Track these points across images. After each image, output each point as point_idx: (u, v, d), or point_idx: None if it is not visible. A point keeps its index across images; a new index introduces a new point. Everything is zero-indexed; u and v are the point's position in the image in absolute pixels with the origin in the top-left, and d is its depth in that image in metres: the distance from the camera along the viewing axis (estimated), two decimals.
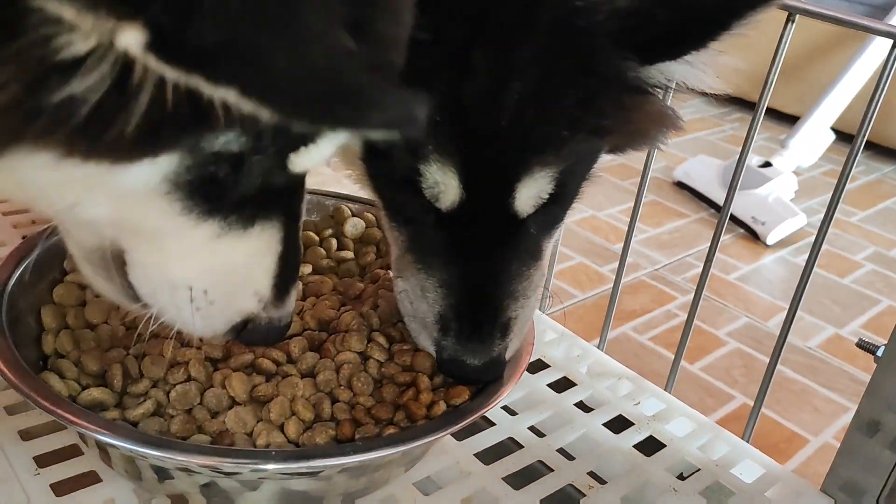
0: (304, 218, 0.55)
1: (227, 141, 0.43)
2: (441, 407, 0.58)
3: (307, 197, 0.55)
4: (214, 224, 0.48)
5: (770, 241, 1.78)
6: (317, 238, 0.75)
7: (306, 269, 0.72)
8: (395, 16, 0.45)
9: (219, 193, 0.46)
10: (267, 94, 0.34)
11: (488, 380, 0.59)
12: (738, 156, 2.09)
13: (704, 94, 0.62)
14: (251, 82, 0.34)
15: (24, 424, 0.60)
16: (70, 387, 0.55)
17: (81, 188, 0.44)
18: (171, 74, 0.34)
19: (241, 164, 0.45)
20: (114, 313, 0.62)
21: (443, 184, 0.53)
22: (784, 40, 0.64)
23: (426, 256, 0.58)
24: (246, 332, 0.53)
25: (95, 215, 0.46)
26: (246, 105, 0.35)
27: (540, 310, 0.92)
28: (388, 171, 0.57)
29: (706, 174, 1.96)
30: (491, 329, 0.58)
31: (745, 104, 2.73)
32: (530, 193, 0.55)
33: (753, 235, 1.81)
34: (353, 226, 0.76)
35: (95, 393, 0.55)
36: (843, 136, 2.07)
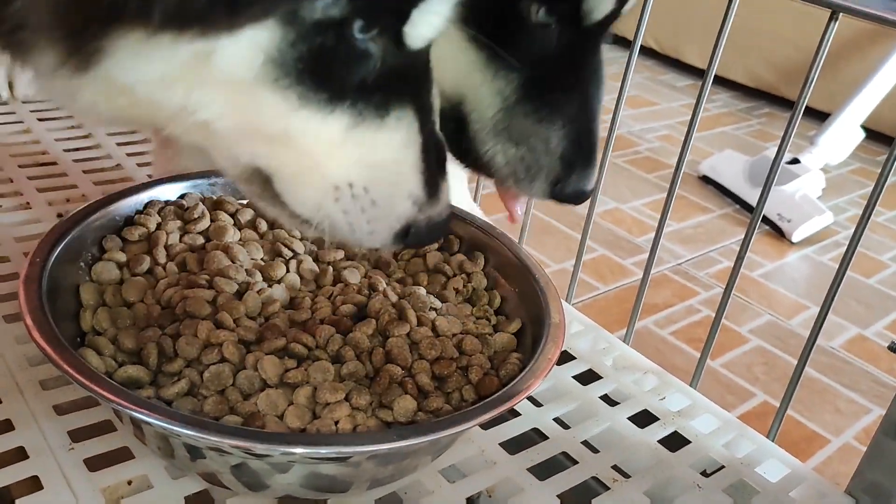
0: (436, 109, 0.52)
1: (325, 4, 0.41)
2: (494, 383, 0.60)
3: None
4: (344, 114, 0.46)
5: (795, 238, 1.76)
6: None
7: (338, 254, 0.73)
8: None
9: (334, 76, 0.44)
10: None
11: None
12: (764, 151, 2.07)
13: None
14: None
15: (59, 400, 0.61)
16: (107, 363, 0.56)
17: (186, 81, 0.43)
18: None
19: (348, 38, 0.43)
20: (150, 292, 0.63)
21: None
22: (826, 38, 0.63)
23: (548, 95, 0.58)
24: (411, 237, 0.52)
25: (214, 118, 0.45)
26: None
27: (566, 300, 0.92)
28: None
29: (732, 169, 1.95)
30: (595, 152, 0.60)
31: (772, 98, 2.70)
32: None
33: (779, 232, 1.80)
34: None
35: (131, 370, 0.56)
36: (873, 133, 2.05)
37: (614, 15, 0.57)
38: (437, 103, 0.52)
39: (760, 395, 1.26)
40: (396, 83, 0.48)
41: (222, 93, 0.43)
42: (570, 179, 0.61)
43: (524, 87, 0.58)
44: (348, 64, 0.44)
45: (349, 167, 0.49)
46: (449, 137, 0.55)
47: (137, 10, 0.38)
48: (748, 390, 1.27)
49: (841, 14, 0.63)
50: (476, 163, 0.64)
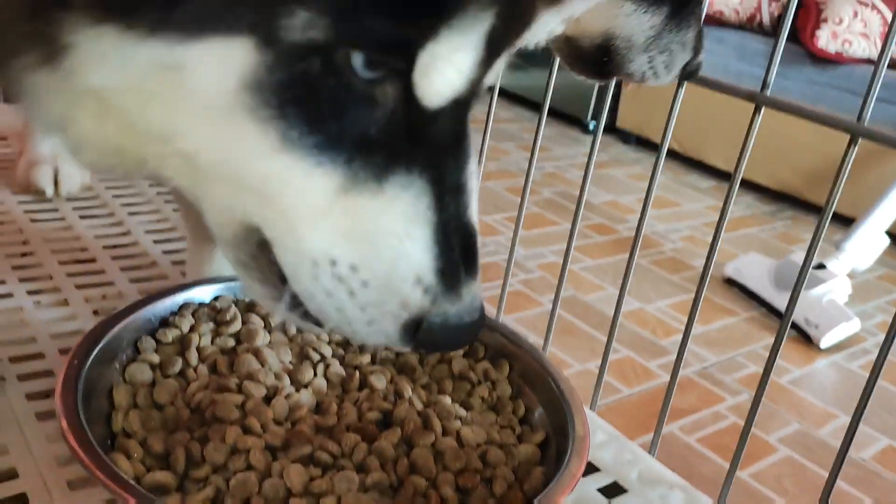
0: (474, 182, 0.43)
1: (304, 23, 0.34)
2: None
3: None
4: (336, 171, 0.38)
5: (824, 344, 1.75)
6: None
7: (365, 359, 0.74)
8: None
9: (326, 119, 0.37)
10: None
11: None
12: (789, 255, 2.07)
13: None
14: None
15: (86, 502, 0.62)
16: (135, 467, 0.57)
17: (161, 97, 0.37)
18: None
19: (342, 73, 0.36)
20: (180, 394, 0.64)
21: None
22: (847, 161, 0.65)
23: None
24: (422, 334, 0.43)
25: (194, 149, 0.39)
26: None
27: (591, 406, 0.91)
28: None
29: (757, 272, 1.95)
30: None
31: (796, 202, 2.72)
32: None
33: (806, 338, 1.78)
34: None
35: (159, 476, 0.56)
36: None
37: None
38: (472, 181, 0.43)
39: None
40: (410, 145, 0.39)
41: (200, 119, 0.37)
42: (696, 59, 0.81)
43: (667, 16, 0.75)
44: (344, 106, 0.37)
45: (333, 239, 0.41)
46: (594, 65, 0.77)
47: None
48: (777, 503, 1.24)
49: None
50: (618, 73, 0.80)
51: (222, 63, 0.35)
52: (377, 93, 0.37)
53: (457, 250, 0.42)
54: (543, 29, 0.52)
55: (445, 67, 0.36)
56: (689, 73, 0.82)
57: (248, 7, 0.34)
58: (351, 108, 0.37)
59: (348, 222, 0.40)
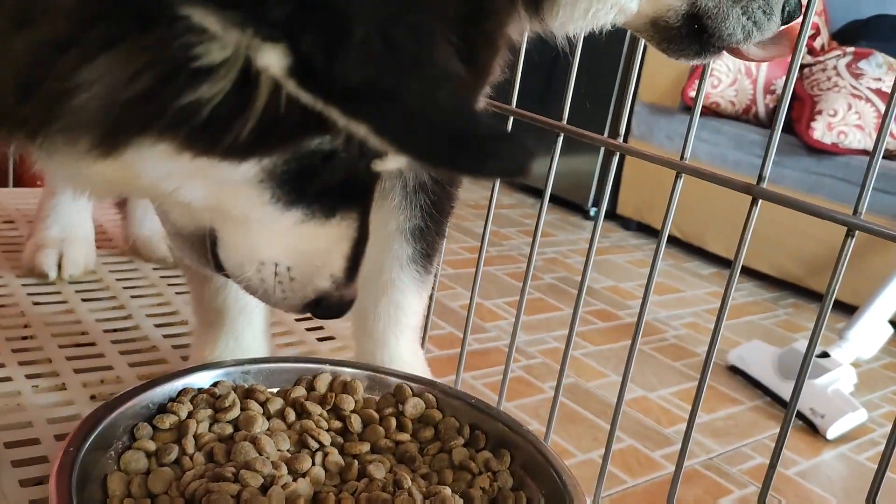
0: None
1: (323, 141, 0.47)
2: None
3: (370, 374, 0.67)
4: (299, 212, 0.53)
5: (830, 435, 1.72)
6: (377, 416, 0.76)
7: (364, 447, 0.73)
8: (492, 45, 0.49)
9: (306, 185, 0.51)
10: (399, 137, 0.36)
11: None
12: (792, 343, 2.05)
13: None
14: (386, 123, 0.35)
15: None
16: None
17: (187, 178, 0.48)
18: (307, 99, 0.36)
19: (330, 159, 0.49)
20: (175, 484, 0.63)
21: None
22: (844, 255, 0.65)
23: None
24: (319, 309, 0.60)
25: (192, 199, 0.51)
26: (375, 141, 0.36)
27: (594, 498, 0.89)
28: None
29: (761, 360, 1.93)
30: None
31: (798, 289, 2.73)
32: None
33: (812, 428, 1.76)
34: (414, 406, 0.77)
35: None
36: None
37: None
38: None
39: None
40: (351, 191, 0.55)
41: (210, 185, 0.49)
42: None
43: None
44: (325, 178, 0.51)
45: (283, 251, 0.56)
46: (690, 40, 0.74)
47: (167, 128, 0.42)
48: None
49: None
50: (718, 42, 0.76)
51: (251, 166, 0.47)
52: (343, 167, 0.50)
53: (359, 251, 0.59)
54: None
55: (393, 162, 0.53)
56: (789, 15, 0.76)
57: (289, 135, 0.45)
58: (325, 178, 0.51)
59: (298, 241, 0.55)
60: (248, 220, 0.54)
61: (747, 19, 0.75)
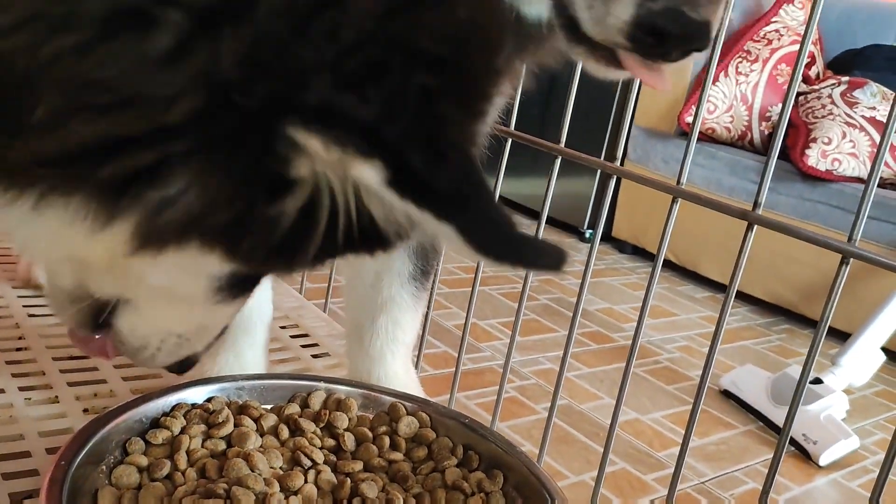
0: None
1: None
2: None
3: (365, 392, 0.71)
4: (217, 300, 0.54)
5: (823, 461, 1.72)
6: (370, 435, 0.76)
7: (357, 465, 0.72)
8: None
9: (248, 280, 0.54)
10: (480, 237, 0.39)
11: None
12: (785, 368, 2.05)
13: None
14: (471, 226, 0.38)
15: None
16: None
17: (180, 271, 0.49)
18: (399, 205, 0.39)
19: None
20: (166, 500, 0.63)
21: None
22: (839, 282, 0.66)
23: None
24: (178, 367, 0.65)
25: (153, 283, 0.51)
26: (455, 242, 0.39)
27: None
28: None
29: (754, 385, 1.93)
30: None
31: (791, 315, 2.73)
32: None
33: (804, 454, 1.75)
34: (408, 425, 0.77)
35: None
36: (894, 356, 2.04)
37: None
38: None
39: None
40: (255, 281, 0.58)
41: (181, 275, 0.50)
42: None
43: None
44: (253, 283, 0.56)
45: (192, 326, 0.59)
46: None
47: (236, 237, 0.44)
48: None
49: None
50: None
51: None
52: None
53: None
54: None
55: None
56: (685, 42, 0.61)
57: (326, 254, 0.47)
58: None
59: (208, 317, 0.59)
60: (179, 301, 0.54)
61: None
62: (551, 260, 0.41)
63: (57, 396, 0.86)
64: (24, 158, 0.40)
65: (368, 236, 0.43)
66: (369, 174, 0.38)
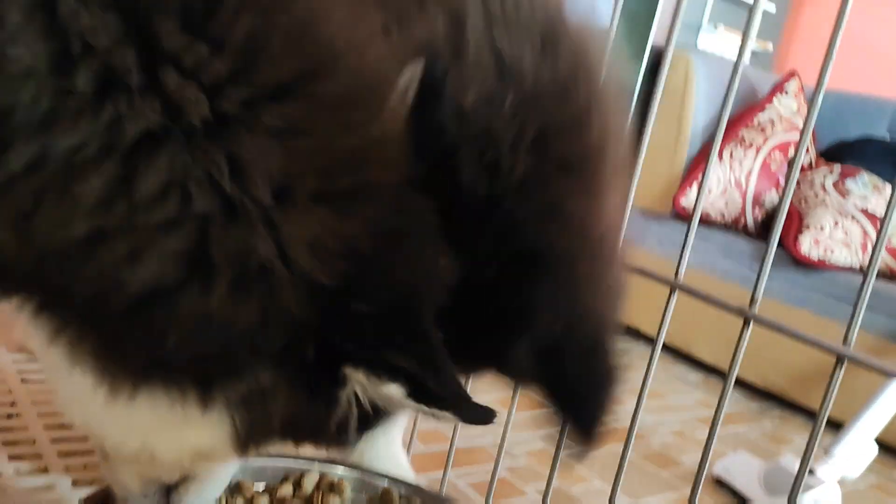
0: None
1: None
2: None
3: (359, 476, 0.78)
4: None
5: None
6: None
7: None
8: None
9: None
10: (465, 416, 0.55)
11: None
12: (778, 458, 2.03)
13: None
14: (461, 413, 0.55)
15: None
16: None
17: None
18: (414, 405, 0.52)
19: None
20: None
21: None
22: (833, 384, 0.67)
23: None
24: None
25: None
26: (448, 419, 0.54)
27: None
28: None
29: (747, 474, 1.91)
30: None
31: (783, 401, 2.72)
32: None
33: None
34: None
35: None
36: (891, 449, 2.03)
37: None
38: None
39: None
40: None
41: None
42: None
43: None
44: None
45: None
46: None
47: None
48: None
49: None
50: None
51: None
52: None
53: None
54: None
55: None
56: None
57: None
58: None
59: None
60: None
61: None
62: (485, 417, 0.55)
63: (47, 467, 0.85)
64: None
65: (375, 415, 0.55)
66: (395, 390, 0.51)
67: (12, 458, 0.84)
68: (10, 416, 0.93)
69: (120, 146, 0.40)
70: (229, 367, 0.49)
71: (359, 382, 0.51)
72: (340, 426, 0.54)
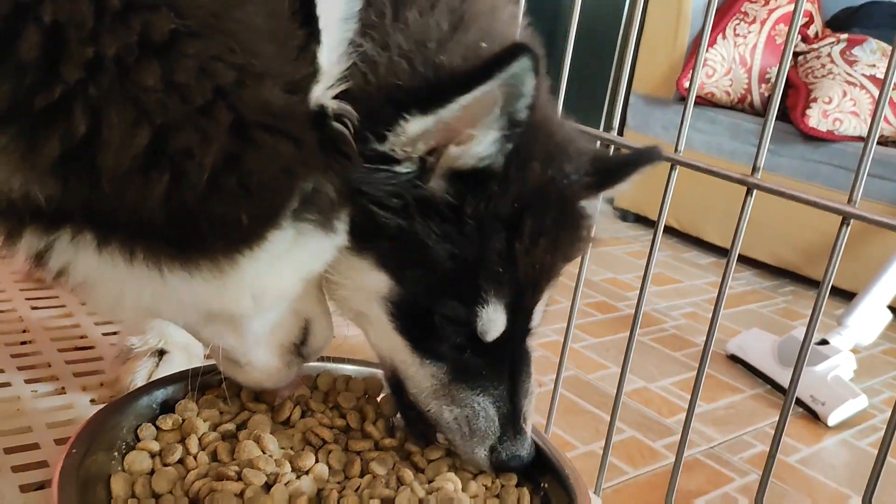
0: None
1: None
2: None
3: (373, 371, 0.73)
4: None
5: (831, 422, 1.72)
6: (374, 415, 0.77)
7: (366, 444, 0.73)
8: None
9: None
10: None
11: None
12: (791, 331, 2.04)
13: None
14: None
15: None
16: None
17: None
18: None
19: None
20: (179, 484, 0.63)
21: (494, 321, 0.65)
22: (839, 243, 0.65)
23: (477, 381, 0.68)
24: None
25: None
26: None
27: (595, 490, 0.90)
28: (440, 322, 0.66)
29: (760, 349, 1.93)
30: (526, 425, 0.70)
31: (795, 277, 2.73)
32: (539, 311, 0.71)
33: (813, 415, 1.76)
34: None
35: None
36: None
37: (510, 336, 0.68)
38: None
39: None
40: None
41: None
42: (504, 448, 0.69)
43: (455, 370, 0.68)
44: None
45: None
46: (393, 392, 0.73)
47: None
48: None
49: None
50: (420, 417, 0.73)
51: None
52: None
53: None
54: None
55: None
56: (502, 464, 0.71)
57: None
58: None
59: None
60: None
61: None
62: None
63: (63, 388, 0.86)
64: None
65: None
66: None
67: (29, 381, 0.85)
68: (23, 343, 0.94)
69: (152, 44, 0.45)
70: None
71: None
72: None
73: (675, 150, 0.82)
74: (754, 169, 0.76)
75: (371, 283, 0.64)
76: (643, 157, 0.73)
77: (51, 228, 0.51)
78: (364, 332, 0.70)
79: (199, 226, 0.50)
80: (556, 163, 0.65)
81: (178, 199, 0.48)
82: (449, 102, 0.56)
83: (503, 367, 0.68)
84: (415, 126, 0.57)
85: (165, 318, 0.67)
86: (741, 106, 2.92)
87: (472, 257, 0.61)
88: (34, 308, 1.04)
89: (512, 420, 0.68)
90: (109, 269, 0.51)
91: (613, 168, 0.72)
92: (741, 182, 0.76)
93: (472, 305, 0.64)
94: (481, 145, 0.59)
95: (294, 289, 0.61)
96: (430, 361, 0.67)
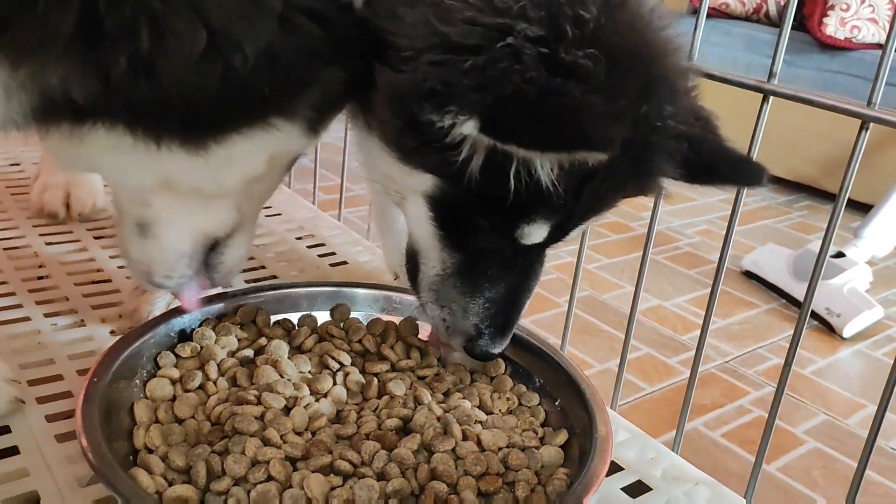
0: None
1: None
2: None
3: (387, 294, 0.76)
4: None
5: (846, 333, 1.73)
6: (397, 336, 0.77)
7: (384, 366, 0.74)
8: None
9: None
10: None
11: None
12: (807, 245, 2.03)
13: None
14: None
15: None
16: (157, 482, 0.57)
17: None
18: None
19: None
20: (201, 408, 0.64)
21: (532, 234, 0.64)
22: (858, 148, 0.64)
23: (475, 281, 0.67)
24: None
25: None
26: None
27: (611, 405, 0.91)
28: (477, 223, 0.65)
29: (776, 263, 1.93)
30: (512, 325, 0.70)
31: (812, 191, 2.70)
32: (578, 230, 0.69)
33: (828, 328, 1.76)
34: None
35: (180, 490, 0.56)
36: None
37: (548, 243, 0.67)
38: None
39: (821, 501, 1.21)
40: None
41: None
42: (480, 342, 0.68)
43: (461, 265, 0.67)
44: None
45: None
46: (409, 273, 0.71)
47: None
48: (808, 496, 1.22)
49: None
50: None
51: None
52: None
53: None
54: None
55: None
56: (475, 354, 0.71)
57: None
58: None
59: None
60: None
61: None
62: None
63: (83, 320, 0.87)
64: None
65: None
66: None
67: (48, 315, 0.86)
68: (40, 278, 0.95)
69: None
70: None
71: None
72: None
73: (689, 59, 0.80)
74: (770, 75, 0.74)
75: (416, 181, 0.63)
76: (744, 177, 0.70)
77: (85, 121, 0.54)
78: (402, 209, 0.69)
79: (218, 109, 0.54)
80: (654, 100, 0.62)
81: (224, 87, 0.51)
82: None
83: (513, 267, 0.68)
84: (466, 129, 0.55)
85: (111, 178, 0.67)
86: (756, 17, 2.84)
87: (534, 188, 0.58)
88: (49, 244, 1.04)
89: (495, 320, 0.68)
90: (125, 150, 0.55)
91: (710, 167, 0.70)
92: (757, 89, 0.74)
93: (518, 220, 0.63)
94: None
95: (257, 172, 0.62)
96: (447, 249, 0.67)
